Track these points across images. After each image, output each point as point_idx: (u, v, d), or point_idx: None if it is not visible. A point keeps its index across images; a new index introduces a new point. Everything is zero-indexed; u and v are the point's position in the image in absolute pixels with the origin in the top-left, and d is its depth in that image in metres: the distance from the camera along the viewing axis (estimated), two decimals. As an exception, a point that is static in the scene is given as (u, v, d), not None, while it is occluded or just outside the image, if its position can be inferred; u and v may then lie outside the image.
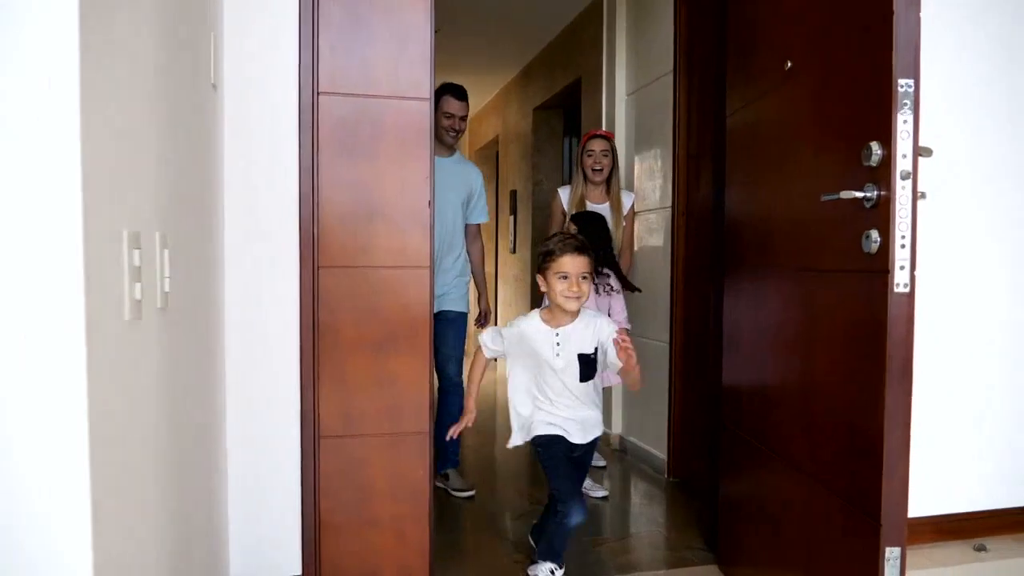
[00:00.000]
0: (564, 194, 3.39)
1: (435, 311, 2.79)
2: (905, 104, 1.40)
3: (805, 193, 1.71)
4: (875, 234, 1.43)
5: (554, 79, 5.26)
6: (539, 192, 5.94)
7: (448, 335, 3.16)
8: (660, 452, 3.42)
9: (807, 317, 1.73)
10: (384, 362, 1.99)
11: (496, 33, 5.27)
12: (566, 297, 2.04)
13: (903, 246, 1.41)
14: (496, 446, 4.07)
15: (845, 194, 1.49)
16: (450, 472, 3.19)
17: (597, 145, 3.29)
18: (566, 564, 2.24)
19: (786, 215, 1.85)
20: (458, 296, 3.21)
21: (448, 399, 3.17)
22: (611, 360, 2.04)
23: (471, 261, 3.31)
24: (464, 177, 3.22)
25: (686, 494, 3.11)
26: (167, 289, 1.15)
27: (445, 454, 3.19)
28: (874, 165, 1.44)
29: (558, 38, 5.15)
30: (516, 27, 5.10)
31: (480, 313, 3.41)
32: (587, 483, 2.95)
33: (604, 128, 3.98)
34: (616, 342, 1.99)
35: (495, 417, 4.53)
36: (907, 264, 1.41)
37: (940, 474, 2.40)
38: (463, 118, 3.15)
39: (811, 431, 1.70)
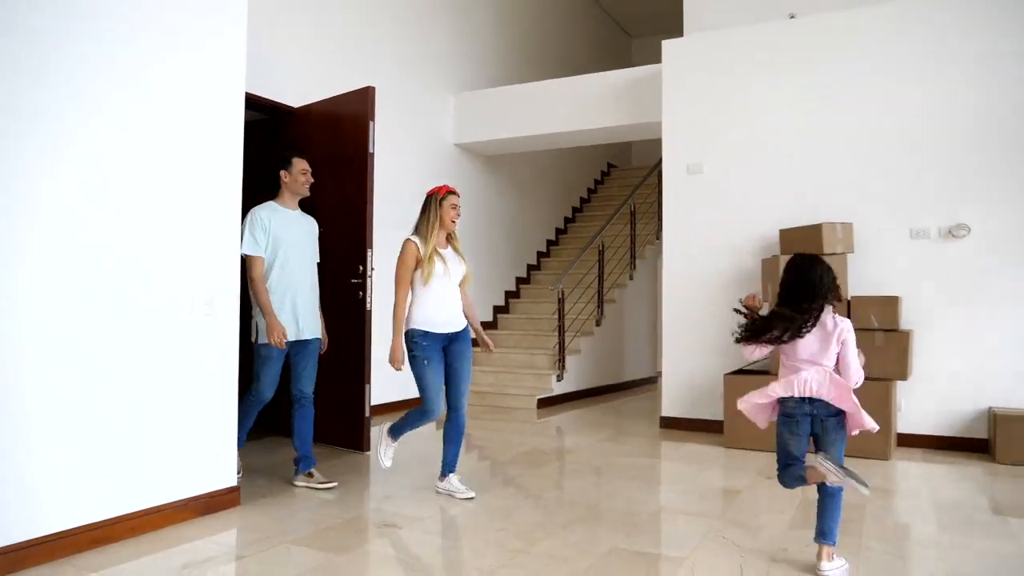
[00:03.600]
0: (419, 241, 3.67)
1: (298, 338, 3.94)
2: (370, 254, 4.77)
3: (342, 278, 4.93)
4: (361, 293, 4.76)
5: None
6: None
7: (310, 358, 4.05)
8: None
9: (341, 320, 4.96)
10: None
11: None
12: None
13: (371, 297, 4.77)
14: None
15: (353, 281, 4.79)
16: (313, 471, 4.01)
17: (458, 200, 3.76)
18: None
19: (331, 286, 5.05)
20: (317, 325, 4.11)
21: (305, 412, 4.01)
22: None
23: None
24: (310, 226, 4.13)
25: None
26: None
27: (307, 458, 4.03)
28: (361, 271, 4.78)
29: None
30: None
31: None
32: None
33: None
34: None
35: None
36: (372, 299, 4.78)
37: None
38: (313, 172, 4.09)
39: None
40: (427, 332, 3.67)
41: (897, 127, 5.29)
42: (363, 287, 4.78)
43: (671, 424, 5.87)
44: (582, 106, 7.11)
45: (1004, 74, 5.01)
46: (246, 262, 3.85)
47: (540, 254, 9.62)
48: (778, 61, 5.68)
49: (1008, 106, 4.99)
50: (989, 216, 5.02)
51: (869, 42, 5.41)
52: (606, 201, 10.80)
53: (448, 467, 3.84)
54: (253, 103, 5.34)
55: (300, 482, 4.00)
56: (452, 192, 3.76)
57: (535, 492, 3.95)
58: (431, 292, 3.67)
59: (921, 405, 5.16)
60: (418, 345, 3.66)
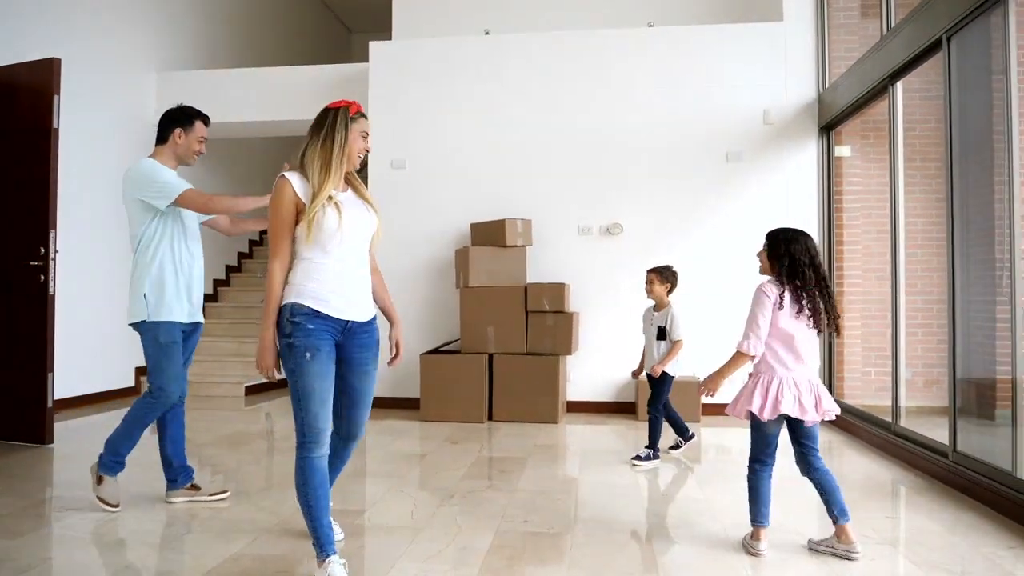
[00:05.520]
0: (296, 181, 2.45)
1: (192, 320, 3.44)
2: (53, 235, 4.50)
3: (21, 259, 4.57)
4: (43, 277, 4.48)
5: None
6: None
7: (193, 347, 3.68)
8: None
9: (22, 305, 4.59)
10: None
11: None
12: None
13: (54, 280, 4.51)
14: None
15: (34, 263, 4.49)
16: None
17: (368, 127, 2.57)
18: None
19: (7, 267, 4.66)
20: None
21: (179, 412, 3.62)
22: None
23: None
24: None
25: None
26: None
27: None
28: (43, 252, 4.49)
29: None
30: None
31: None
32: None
33: None
34: None
35: None
36: (56, 282, 4.52)
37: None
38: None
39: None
40: (317, 312, 2.42)
41: (568, 140, 6.16)
42: (45, 270, 4.51)
43: (376, 404, 6.21)
44: (297, 96, 7.19)
45: (655, 101, 6.08)
46: (184, 199, 3.27)
47: (253, 243, 9.50)
48: (472, 72, 6.30)
49: (654, 129, 6.07)
50: (638, 217, 6.07)
51: (550, 63, 6.23)
52: (323, 192, 10.90)
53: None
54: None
55: (180, 499, 3.39)
56: (363, 115, 2.57)
57: (232, 467, 4.09)
58: (326, 256, 2.45)
59: (586, 376, 6.08)
60: (300, 327, 2.40)
